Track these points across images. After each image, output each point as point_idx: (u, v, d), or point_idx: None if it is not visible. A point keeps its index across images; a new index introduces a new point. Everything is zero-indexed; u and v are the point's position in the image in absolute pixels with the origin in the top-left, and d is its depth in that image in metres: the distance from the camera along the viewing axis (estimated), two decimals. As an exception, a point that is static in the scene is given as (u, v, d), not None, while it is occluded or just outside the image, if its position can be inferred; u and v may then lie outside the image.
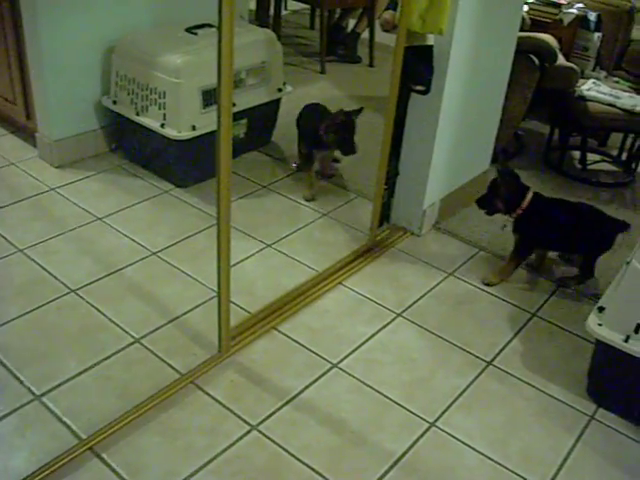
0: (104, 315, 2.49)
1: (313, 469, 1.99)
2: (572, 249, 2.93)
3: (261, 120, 3.59)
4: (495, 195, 2.78)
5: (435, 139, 2.87)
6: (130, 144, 3.50)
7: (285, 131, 3.75)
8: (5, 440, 2.01)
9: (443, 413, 2.22)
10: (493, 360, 2.45)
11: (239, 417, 2.13)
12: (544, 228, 2.79)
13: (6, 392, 2.16)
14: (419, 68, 2.72)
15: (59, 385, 2.20)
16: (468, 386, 2.33)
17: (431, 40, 2.71)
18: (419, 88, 2.77)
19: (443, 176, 3.06)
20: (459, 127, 2.99)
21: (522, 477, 2.03)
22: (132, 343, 2.38)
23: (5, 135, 3.72)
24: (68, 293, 2.59)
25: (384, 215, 3.05)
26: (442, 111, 2.81)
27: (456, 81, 2.81)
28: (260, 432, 2.09)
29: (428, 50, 2.72)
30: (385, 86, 2.66)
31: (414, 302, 2.69)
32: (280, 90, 3.62)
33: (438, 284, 2.80)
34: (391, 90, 2.66)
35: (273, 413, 2.16)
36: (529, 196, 2.75)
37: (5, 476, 1.91)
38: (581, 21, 4.27)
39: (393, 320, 2.59)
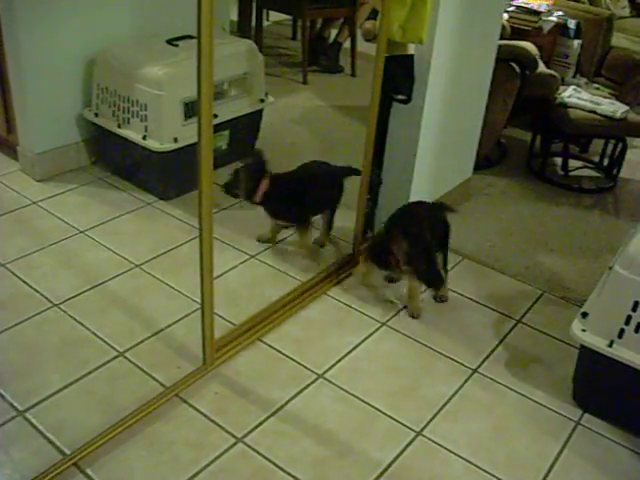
0: (87, 329, 2.47)
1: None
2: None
3: (243, 131, 3.59)
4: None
5: (417, 147, 2.88)
6: (112, 156, 3.48)
7: (267, 142, 3.75)
8: (-13, 458, 1.99)
9: (429, 422, 2.21)
10: (478, 367, 2.45)
11: (224, 430, 2.12)
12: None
13: (-12, 409, 2.14)
14: (400, 77, 2.73)
15: (42, 400, 2.18)
16: (454, 394, 2.33)
17: (412, 49, 2.72)
18: (400, 97, 2.78)
19: (426, 184, 3.07)
20: (441, 135, 3.00)
21: (509, 484, 2.03)
22: (116, 357, 2.37)
23: (-14, 149, 3.70)
24: (51, 307, 2.56)
25: (368, 224, 3.05)
26: (424, 119, 2.82)
27: (437, 89, 2.82)
28: (246, 444, 2.08)
29: (409, 59, 2.73)
30: (367, 95, 2.66)
31: (398, 311, 2.69)
32: (262, 101, 3.62)
33: (422, 292, 2.80)
34: (372, 99, 2.67)
35: (259, 425, 2.15)
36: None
37: (-13, 494, 1.89)
38: (561, 28, 4.31)
39: (378, 329, 2.59)
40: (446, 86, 2.87)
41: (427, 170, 3.01)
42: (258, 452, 2.05)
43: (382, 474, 2.03)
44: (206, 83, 1.84)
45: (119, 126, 3.27)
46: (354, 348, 2.49)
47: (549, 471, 2.08)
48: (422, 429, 2.19)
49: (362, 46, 5.15)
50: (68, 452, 2.01)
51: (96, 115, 3.38)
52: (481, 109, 3.30)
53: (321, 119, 4.28)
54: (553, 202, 3.61)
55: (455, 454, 2.11)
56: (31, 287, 2.66)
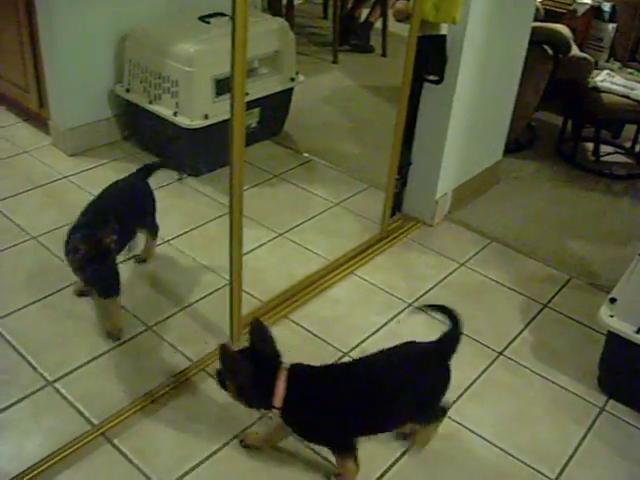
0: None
1: (321, 455, 2.00)
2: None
3: (273, 109, 3.59)
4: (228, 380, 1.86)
5: (448, 129, 2.86)
6: (143, 132, 3.50)
7: (297, 121, 3.75)
8: (19, 425, 2.03)
9: (454, 403, 2.21)
10: (504, 351, 2.45)
11: (250, 406, 2.14)
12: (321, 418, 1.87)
13: (20, 378, 2.17)
14: (432, 57, 2.72)
15: (71, 372, 2.22)
16: (479, 376, 2.33)
17: (444, 29, 2.70)
18: (432, 78, 2.77)
19: (456, 166, 3.05)
20: (472, 117, 2.98)
21: (532, 467, 2.03)
22: (144, 331, 2.40)
23: (19, 123, 3.73)
24: (80, 281, 2.60)
25: (396, 205, 3.05)
26: (455, 100, 2.81)
27: (469, 70, 2.80)
28: (270, 419, 2.09)
29: (441, 39, 2.71)
30: (398, 76, 2.65)
31: (425, 292, 2.69)
32: (293, 79, 3.61)
33: (449, 274, 2.80)
34: (404, 80, 2.66)
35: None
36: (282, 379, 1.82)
37: (19, 460, 1.93)
38: (595, 11, 4.24)
39: (404, 310, 2.59)
40: (478, 67, 2.85)
41: (456, 151, 2.99)
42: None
43: (404, 454, 2.04)
44: (240, 60, 1.85)
45: (150, 102, 3.29)
46: (380, 328, 2.49)
47: (572, 456, 2.08)
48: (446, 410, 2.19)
49: (393, 26, 5.10)
50: (96, 422, 2.04)
51: (127, 91, 3.41)
52: (512, 92, 3.27)
53: (351, 99, 4.26)
54: (583, 187, 3.57)
55: (478, 435, 2.11)
56: (62, 260, 2.68)
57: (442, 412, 2.02)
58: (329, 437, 1.89)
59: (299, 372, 1.84)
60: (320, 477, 1.95)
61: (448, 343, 1.94)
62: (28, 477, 1.88)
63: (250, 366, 1.78)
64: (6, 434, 2.01)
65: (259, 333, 1.85)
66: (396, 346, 1.97)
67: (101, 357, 2.28)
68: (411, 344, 2.00)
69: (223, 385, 1.86)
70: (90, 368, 2.24)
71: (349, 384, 1.86)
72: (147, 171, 2.65)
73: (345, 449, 1.88)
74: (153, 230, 2.68)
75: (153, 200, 2.65)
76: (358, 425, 1.88)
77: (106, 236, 2.17)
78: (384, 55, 5.08)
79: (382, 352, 1.95)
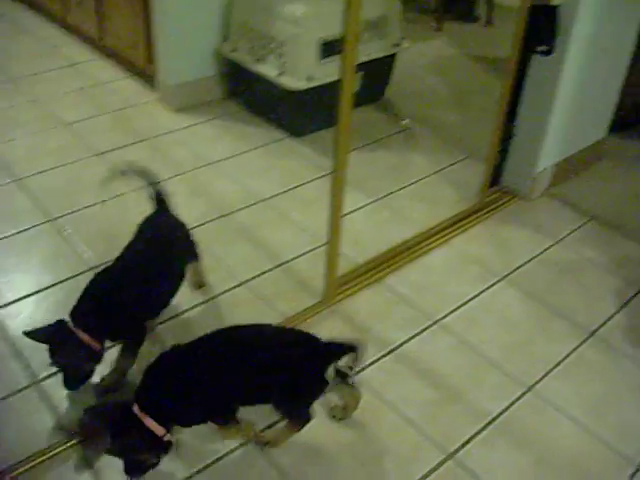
0: (214, 256, 2.57)
1: (409, 419, 2.03)
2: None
3: (376, 75, 3.58)
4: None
5: (553, 102, 2.81)
6: (246, 92, 3.56)
7: (399, 87, 3.74)
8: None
9: (541, 379, 2.21)
10: (596, 331, 2.41)
11: (340, 363, 2.19)
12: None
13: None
14: (543, 28, 2.66)
15: (169, 319, 2.30)
16: (568, 354, 2.31)
17: (557, 0, 2.64)
18: (542, 49, 2.71)
19: (558, 141, 2.99)
20: (579, 91, 2.91)
21: (617, 450, 2.00)
22: (239, 285, 2.46)
23: (126, 78, 3.85)
24: (182, 232, 2.68)
25: (495, 177, 3.02)
26: (563, 74, 2.74)
27: (580, 43, 2.72)
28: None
29: (554, 10, 2.64)
30: (503, 46, 2.61)
31: (519, 266, 2.67)
32: (397, 45, 3.59)
33: (545, 250, 2.76)
34: (513, 50, 2.61)
35: (373, 362, 2.20)
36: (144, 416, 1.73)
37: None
38: None
39: (497, 282, 2.58)
40: (589, 40, 2.77)
41: (561, 126, 2.93)
42: (371, 388, 2.11)
43: (489, 424, 2.04)
44: (352, 23, 1.86)
45: (255, 62, 3.33)
46: (472, 298, 2.49)
47: (659, 442, 2.05)
48: (533, 385, 2.18)
49: (499, -5, 5.01)
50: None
51: (233, 50, 3.45)
52: (623, 67, 3.17)
53: (454, 67, 4.21)
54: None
55: (565, 414, 2.10)
56: (164, 211, 2.79)
57: (303, 419, 1.88)
58: (211, 415, 1.83)
59: (150, 398, 1.74)
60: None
61: (333, 350, 1.86)
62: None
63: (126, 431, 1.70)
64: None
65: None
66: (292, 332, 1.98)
67: (196, 308, 2.37)
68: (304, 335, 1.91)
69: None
70: (184, 317, 2.33)
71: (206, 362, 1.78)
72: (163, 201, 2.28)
73: (226, 421, 1.86)
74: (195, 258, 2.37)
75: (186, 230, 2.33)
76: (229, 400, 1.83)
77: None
78: (489, 24, 4.99)
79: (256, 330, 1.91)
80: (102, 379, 2.03)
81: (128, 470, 1.72)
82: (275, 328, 2.03)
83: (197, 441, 1.93)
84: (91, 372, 1.95)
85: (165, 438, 1.73)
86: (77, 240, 2.62)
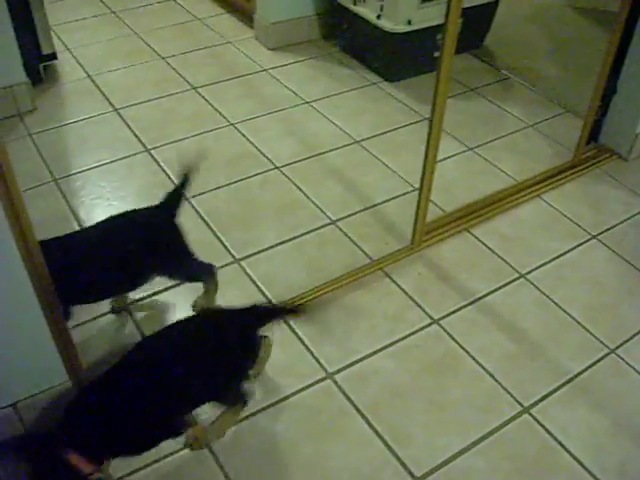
0: (304, 194, 2.60)
1: (487, 370, 2.03)
2: None
3: (476, 21, 3.49)
4: None
5: (662, 59, 2.70)
6: (344, 33, 3.53)
7: (498, 36, 3.65)
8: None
9: (625, 342, 2.16)
10: (690, 297, 2.35)
11: (422, 309, 2.19)
12: None
13: (210, 252, 2.31)
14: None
15: (257, 253, 2.36)
16: (660, 323, 2.26)
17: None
18: (655, 2, 2.60)
19: (663, 101, 2.89)
20: (691, 50, 2.79)
21: None
22: (328, 224, 2.49)
23: (224, 14, 3.88)
24: (273, 169, 2.72)
25: (593, 134, 2.93)
26: (676, 29, 2.63)
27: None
28: (440, 326, 2.14)
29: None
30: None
31: (612, 227, 2.60)
32: (500, -8, 3.50)
33: (639, 213, 2.69)
34: (622, 2, 2.51)
35: (455, 311, 2.20)
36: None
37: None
38: None
39: (587, 241, 2.53)
40: None
41: (667, 86, 2.82)
42: (451, 336, 2.12)
43: (569, 382, 2.03)
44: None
45: (355, 3, 3.30)
46: (560, 255, 2.45)
47: None
48: (616, 348, 2.15)
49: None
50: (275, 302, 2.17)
51: (333, -10, 3.43)
52: None
53: (557, 18, 4.06)
54: None
55: (649, 381, 2.07)
56: (256, 148, 2.82)
57: (242, 399, 1.79)
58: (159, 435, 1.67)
59: (75, 430, 1.53)
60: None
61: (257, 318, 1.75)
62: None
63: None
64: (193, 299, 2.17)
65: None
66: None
67: (286, 243, 2.40)
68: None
69: None
70: (274, 252, 2.36)
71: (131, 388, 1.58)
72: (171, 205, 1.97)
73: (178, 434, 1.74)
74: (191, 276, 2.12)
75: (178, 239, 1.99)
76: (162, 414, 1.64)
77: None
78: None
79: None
80: None
81: None
82: (198, 318, 1.86)
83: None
84: None
85: (93, 477, 1.51)
86: (170, 172, 2.68)
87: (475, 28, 3.53)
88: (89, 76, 3.25)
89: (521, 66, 3.52)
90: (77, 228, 2.40)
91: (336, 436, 1.84)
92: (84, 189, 2.59)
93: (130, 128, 2.91)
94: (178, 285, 2.19)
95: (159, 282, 2.03)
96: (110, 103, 3.06)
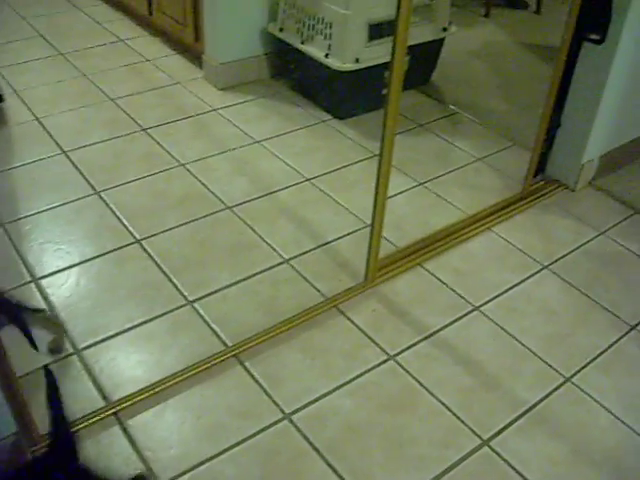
0: (257, 234, 2.59)
1: (444, 404, 2.03)
2: None
3: (423, 59, 3.56)
4: None
5: (603, 93, 2.76)
6: (293, 72, 3.56)
7: (445, 72, 3.71)
8: (159, 338, 2.16)
9: (580, 370, 2.18)
10: (637, 325, 2.38)
11: (378, 345, 2.19)
12: None
13: (162, 295, 2.30)
14: (596, 15, 2.62)
15: (210, 294, 2.33)
16: (609, 347, 2.28)
17: (611, -13, 2.60)
18: (594, 37, 2.67)
19: (606, 132, 2.95)
20: (630, 82, 2.86)
21: (656, 448, 1.99)
22: (281, 263, 2.48)
23: (174, 55, 3.88)
24: (224, 209, 2.70)
25: (540, 166, 2.98)
26: (614, 63, 2.70)
27: (633, 32, 2.67)
28: (397, 362, 2.14)
29: (608, -3, 2.60)
30: (552, 34, 2.59)
31: (562, 256, 2.64)
32: (445, 30, 3.56)
33: (588, 242, 2.73)
34: (564, 37, 2.57)
35: (411, 346, 2.20)
36: None
37: (158, 369, 2.06)
38: None
39: (539, 271, 2.56)
40: (644, 30, 2.73)
41: (609, 116, 2.89)
42: (407, 371, 2.11)
43: (525, 413, 2.03)
44: (405, 6, 1.85)
45: (302, 42, 3.33)
46: (513, 286, 2.48)
47: (701, 441, 2.03)
48: (572, 376, 2.16)
49: (549, -18, 4.94)
50: (230, 344, 2.14)
51: (280, 30, 3.45)
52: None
53: (501, 54, 4.16)
54: None
55: (603, 406, 2.08)
56: (207, 188, 2.81)
57: None
58: None
59: None
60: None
61: None
62: (164, 386, 2.00)
63: None
64: (147, 345, 2.14)
65: None
66: None
67: (239, 283, 2.38)
68: None
69: None
70: (228, 292, 2.34)
71: None
72: None
73: None
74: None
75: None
76: None
77: None
78: (538, 12, 4.91)
79: None
80: None
81: None
82: None
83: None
84: None
85: None
86: (121, 214, 2.65)
87: (422, 65, 3.59)
88: (37, 118, 3.22)
89: (468, 101, 3.58)
90: (26, 273, 2.36)
91: (295, 478, 1.82)
92: (33, 233, 2.55)
93: (79, 171, 2.88)
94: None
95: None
96: (59, 145, 3.03)
